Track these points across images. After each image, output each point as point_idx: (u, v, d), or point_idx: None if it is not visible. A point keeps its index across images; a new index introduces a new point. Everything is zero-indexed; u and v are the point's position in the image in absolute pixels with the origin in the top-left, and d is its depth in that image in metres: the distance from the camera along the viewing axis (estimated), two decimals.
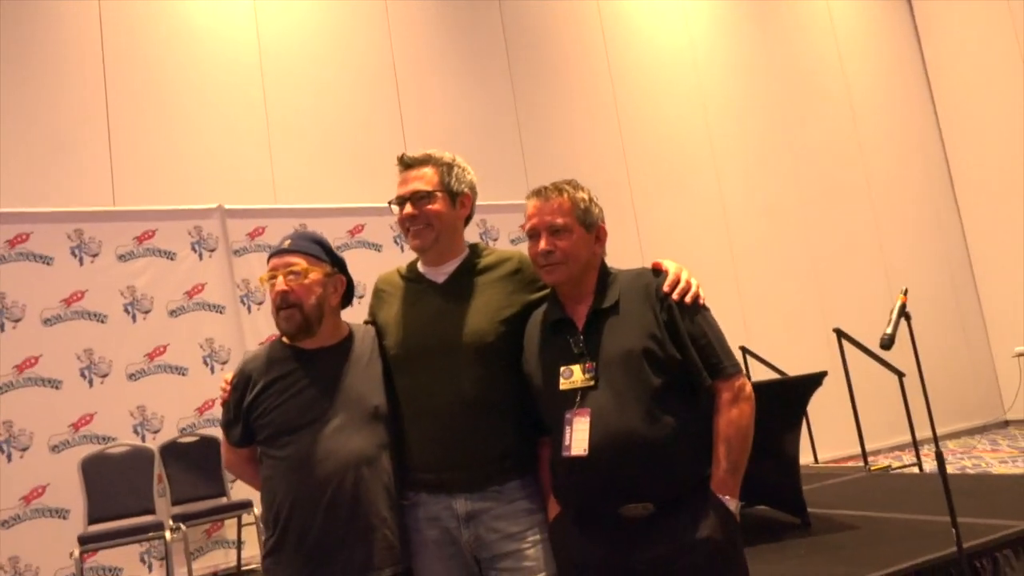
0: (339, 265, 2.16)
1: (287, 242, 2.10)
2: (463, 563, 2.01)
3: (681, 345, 1.84)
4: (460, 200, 2.14)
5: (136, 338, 5.60)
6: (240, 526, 5.58)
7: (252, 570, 5.54)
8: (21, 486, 5.14)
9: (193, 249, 5.91)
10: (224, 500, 5.49)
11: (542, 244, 1.90)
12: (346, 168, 7.25)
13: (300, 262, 2.05)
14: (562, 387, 1.86)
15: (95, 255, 5.60)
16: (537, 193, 1.96)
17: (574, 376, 1.86)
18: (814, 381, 4.45)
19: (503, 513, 1.98)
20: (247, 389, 2.08)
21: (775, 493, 4.56)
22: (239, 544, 5.61)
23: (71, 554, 4.68)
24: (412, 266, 2.23)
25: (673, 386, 1.82)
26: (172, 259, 5.83)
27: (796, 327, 8.87)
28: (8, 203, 5.71)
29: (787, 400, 4.44)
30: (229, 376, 2.18)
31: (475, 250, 2.19)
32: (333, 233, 6.37)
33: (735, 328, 8.40)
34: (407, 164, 2.15)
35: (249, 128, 6.99)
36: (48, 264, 5.45)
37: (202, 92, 6.88)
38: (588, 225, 1.94)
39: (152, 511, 5.12)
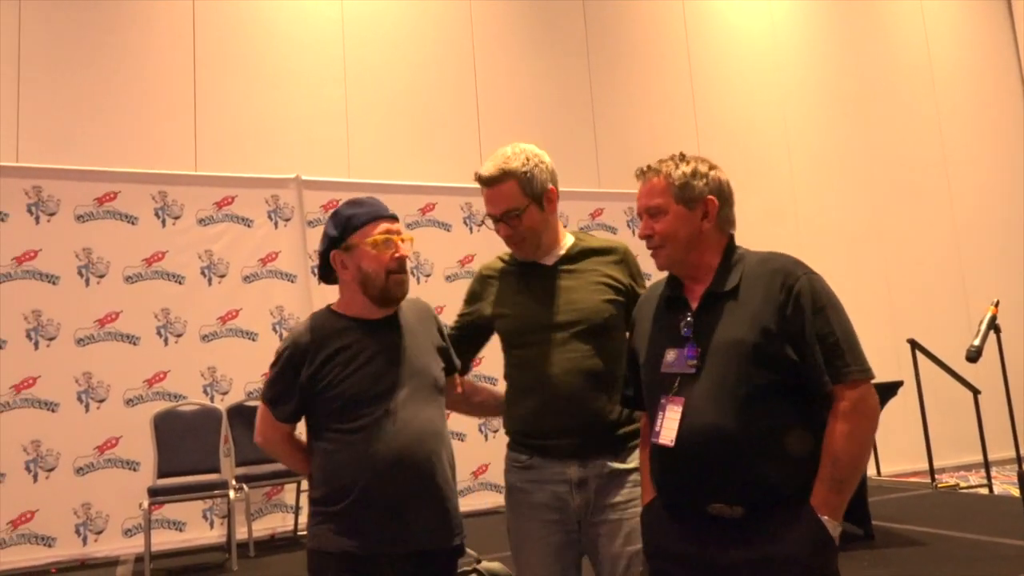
0: None
1: (387, 210, 2.09)
2: (565, 529, 2.07)
3: (801, 344, 1.66)
4: (546, 198, 2.16)
5: (210, 301, 5.76)
6: (299, 491, 5.70)
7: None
8: (96, 436, 5.35)
9: (269, 217, 6.04)
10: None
11: (641, 228, 1.84)
12: (420, 147, 7.28)
13: (409, 235, 2.06)
14: (663, 369, 1.77)
15: (177, 217, 5.77)
16: (639, 175, 1.88)
17: (677, 359, 1.75)
18: (888, 390, 4.33)
19: (611, 483, 2.05)
20: (303, 364, 2.00)
21: None
22: (296, 509, 5.74)
23: (140, 505, 4.85)
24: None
25: (781, 386, 1.66)
26: (249, 226, 5.96)
27: (864, 336, 8.57)
28: (98, 161, 5.89)
29: None
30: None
31: (579, 236, 2.28)
32: (404, 210, 6.43)
33: None
34: (485, 183, 2.13)
35: (328, 102, 7.07)
36: (133, 223, 5.63)
37: (285, 65, 6.98)
38: (688, 201, 1.78)
39: (217, 470, 5.27)
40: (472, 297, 2.31)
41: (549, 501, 2.07)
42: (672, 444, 1.70)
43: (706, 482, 1.69)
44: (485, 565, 2.80)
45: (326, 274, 2.12)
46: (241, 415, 5.65)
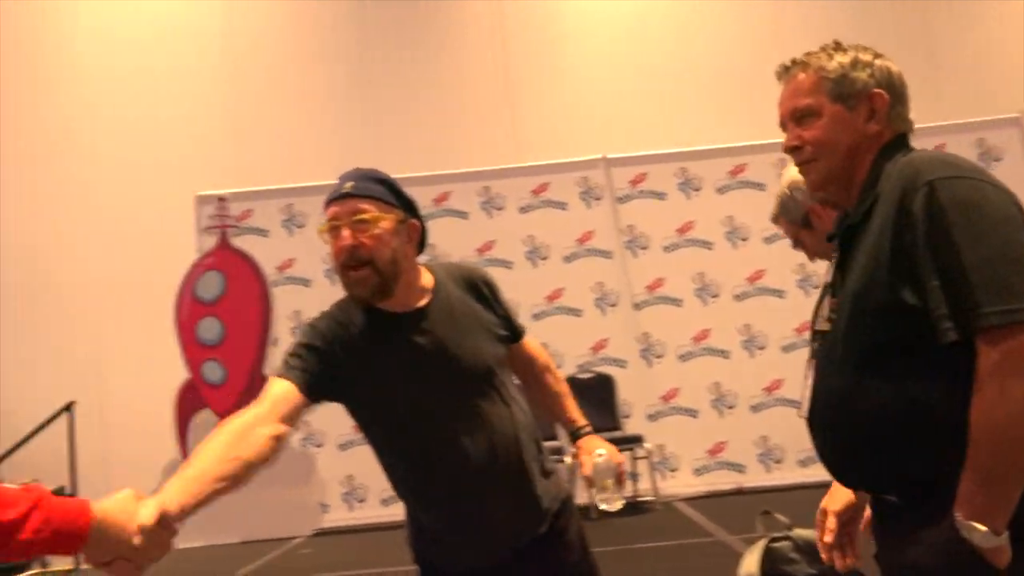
0: (412, 208, 1.74)
1: (348, 184, 1.68)
2: None
3: (921, 280, 1.21)
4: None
5: (535, 282, 6.22)
6: (634, 459, 5.90)
7: (646, 501, 5.83)
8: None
9: (581, 199, 6.33)
10: (618, 434, 5.84)
11: (786, 139, 1.45)
12: (732, 106, 7.02)
13: (369, 208, 1.64)
14: (817, 327, 1.45)
15: (500, 208, 6.31)
16: (780, 72, 1.49)
17: (825, 312, 1.42)
18: None
19: None
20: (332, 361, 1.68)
21: None
22: (633, 476, 5.94)
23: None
24: None
25: (907, 345, 1.24)
26: (564, 209, 6.31)
27: None
28: (433, 166, 6.63)
29: None
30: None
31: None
32: (712, 175, 6.32)
33: None
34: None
35: (633, 77, 7.15)
36: (464, 218, 6.28)
37: (592, 47, 7.20)
38: (846, 97, 1.38)
39: (554, 438, 5.65)
40: None
41: None
42: (806, 416, 1.41)
43: (837, 464, 1.38)
44: (797, 532, 2.69)
45: None
46: (573, 387, 5.84)
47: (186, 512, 1.26)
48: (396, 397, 1.67)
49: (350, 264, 1.63)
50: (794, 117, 1.43)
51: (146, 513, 1.16)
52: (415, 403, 1.66)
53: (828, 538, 1.55)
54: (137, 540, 1.14)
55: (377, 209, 1.64)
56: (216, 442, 1.42)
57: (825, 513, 1.57)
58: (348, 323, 1.69)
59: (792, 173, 1.95)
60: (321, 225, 1.69)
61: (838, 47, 1.43)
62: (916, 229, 1.22)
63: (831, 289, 1.41)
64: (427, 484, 1.71)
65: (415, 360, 1.67)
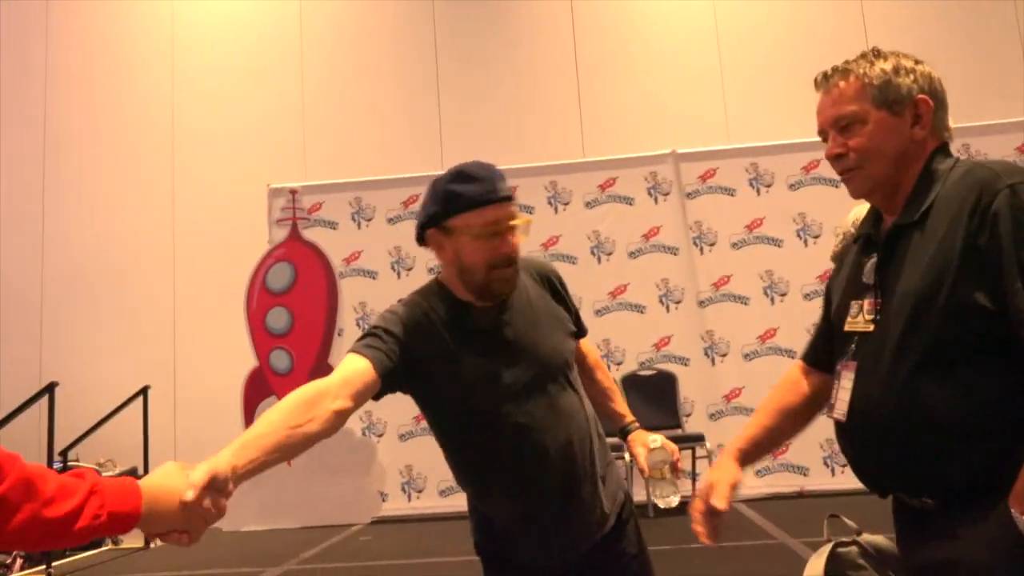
0: None
1: (506, 188, 1.68)
2: None
3: (998, 285, 1.24)
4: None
5: (599, 278, 6.18)
6: (695, 458, 5.82)
7: None
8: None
9: (649, 194, 6.26)
10: (679, 431, 5.77)
11: (828, 146, 1.43)
12: (802, 100, 6.85)
13: (525, 218, 1.70)
14: (846, 327, 1.45)
15: (567, 203, 6.29)
16: (819, 81, 1.47)
17: (859, 314, 1.42)
18: None
19: None
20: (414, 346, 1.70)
21: None
22: (694, 475, 5.87)
23: None
24: None
25: (970, 347, 1.27)
26: (631, 204, 6.25)
27: None
28: (494, 161, 6.65)
29: None
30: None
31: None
32: (785, 170, 6.17)
33: None
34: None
35: (704, 71, 7.05)
36: (530, 212, 6.26)
37: (662, 42, 7.12)
38: (892, 104, 1.39)
39: (614, 434, 5.63)
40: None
41: None
42: (844, 419, 1.41)
43: (878, 468, 1.38)
44: (866, 537, 2.61)
45: (422, 238, 1.78)
46: (635, 384, 5.96)
47: (239, 475, 1.25)
48: (477, 390, 1.65)
49: (502, 264, 1.65)
50: (837, 125, 1.42)
51: (197, 474, 1.15)
52: (496, 396, 1.65)
53: (724, 505, 1.50)
54: (189, 495, 1.13)
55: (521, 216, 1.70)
56: (280, 410, 1.42)
57: (716, 485, 1.52)
58: (430, 312, 1.68)
59: (856, 213, 1.92)
60: (482, 227, 1.62)
61: (878, 54, 1.44)
62: (997, 230, 1.23)
63: (872, 291, 1.40)
64: (501, 479, 1.70)
65: (497, 353, 1.67)
